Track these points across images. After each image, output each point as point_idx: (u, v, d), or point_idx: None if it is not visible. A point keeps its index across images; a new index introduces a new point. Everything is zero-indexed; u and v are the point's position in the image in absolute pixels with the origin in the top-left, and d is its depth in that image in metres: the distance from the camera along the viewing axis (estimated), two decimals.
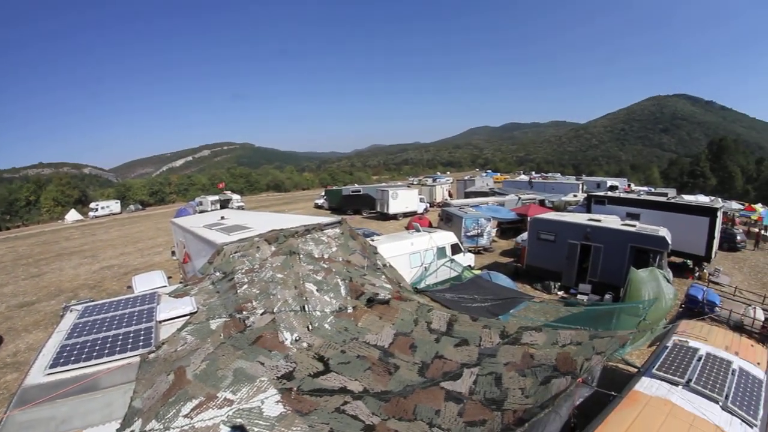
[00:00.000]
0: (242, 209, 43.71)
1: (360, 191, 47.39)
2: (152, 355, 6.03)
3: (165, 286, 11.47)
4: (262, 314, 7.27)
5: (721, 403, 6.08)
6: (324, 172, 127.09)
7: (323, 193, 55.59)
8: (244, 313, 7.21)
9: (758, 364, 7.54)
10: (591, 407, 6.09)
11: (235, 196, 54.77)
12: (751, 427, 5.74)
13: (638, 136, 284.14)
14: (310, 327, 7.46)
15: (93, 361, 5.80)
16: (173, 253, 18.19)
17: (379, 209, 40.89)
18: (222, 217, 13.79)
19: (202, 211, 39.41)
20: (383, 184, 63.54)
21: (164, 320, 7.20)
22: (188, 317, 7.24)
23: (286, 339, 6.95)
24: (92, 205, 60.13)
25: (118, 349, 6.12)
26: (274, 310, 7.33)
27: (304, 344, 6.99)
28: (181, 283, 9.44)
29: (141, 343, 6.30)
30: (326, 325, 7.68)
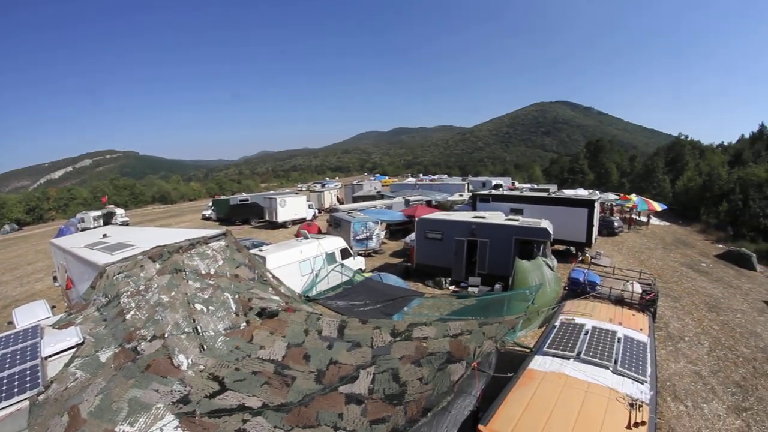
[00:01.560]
0: (127, 224, 41.93)
1: (248, 200, 47.25)
2: (42, 397, 5.78)
3: (49, 317, 11.07)
4: (151, 340, 7.13)
5: (611, 368, 6.88)
6: (211, 181, 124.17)
7: (211, 204, 54.11)
8: (133, 342, 7.00)
9: (641, 330, 8.69)
10: (492, 391, 6.40)
11: (119, 211, 51.85)
12: (642, 383, 6.58)
13: (522, 138, 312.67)
14: (204, 347, 7.44)
15: None
16: (55, 278, 17.16)
17: (267, 218, 41.18)
18: (104, 235, 13.30)
19: (84, 229, 36.50)
20: (271, 191, 62.37)
21: (50, 356, 6.70)
22: (75, 349, 6.83)
23: (182, 363, 6.89)
24: None
25: (3, 395, 5.67)
26: (165, 335, 7.23)
27: (200, 367, 6.97)
28: (66, 312, 8.96)
29: (28, 385, 5.91)
30: (218, 345, 7.72)
